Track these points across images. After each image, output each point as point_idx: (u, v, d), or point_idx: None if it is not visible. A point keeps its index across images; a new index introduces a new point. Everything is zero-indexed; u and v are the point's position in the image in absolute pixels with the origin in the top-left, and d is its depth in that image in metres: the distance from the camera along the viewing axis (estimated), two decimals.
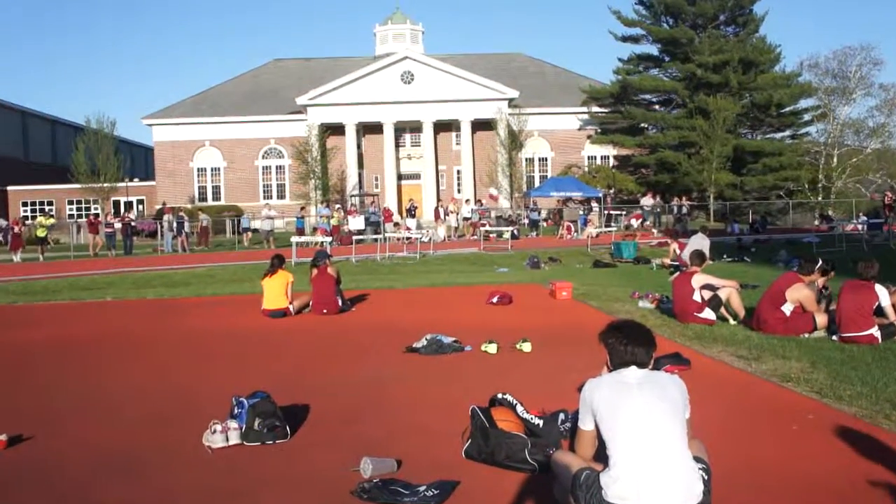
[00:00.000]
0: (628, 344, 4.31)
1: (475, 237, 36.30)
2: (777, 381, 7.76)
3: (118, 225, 35.86)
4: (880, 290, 9.71)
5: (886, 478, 5.07)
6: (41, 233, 35.07)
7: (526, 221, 43.56)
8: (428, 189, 56.36)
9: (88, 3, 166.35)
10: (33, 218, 45.96)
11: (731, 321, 11.30)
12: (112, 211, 47.83)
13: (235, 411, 6.27)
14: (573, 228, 38.80)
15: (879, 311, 9.67)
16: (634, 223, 39.22)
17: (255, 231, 41.02)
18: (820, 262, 11.09)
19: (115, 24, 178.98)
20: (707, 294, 11.39)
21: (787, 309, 10.30)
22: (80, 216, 54.27)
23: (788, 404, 6.93)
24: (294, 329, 12.28)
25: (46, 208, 57.50)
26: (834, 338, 9.78)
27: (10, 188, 59.41)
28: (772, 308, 10.42)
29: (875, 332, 9.46)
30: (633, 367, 4.27)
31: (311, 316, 13.52)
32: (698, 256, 12.01)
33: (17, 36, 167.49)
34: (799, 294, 10.27)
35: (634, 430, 4.02)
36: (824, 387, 7.35)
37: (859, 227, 34.80)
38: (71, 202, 58.97)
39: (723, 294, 11.44)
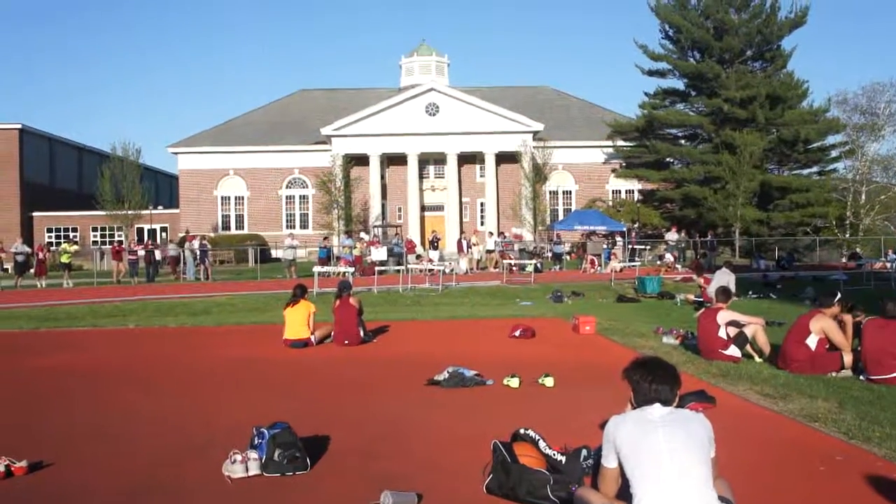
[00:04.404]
0: (653, 381, 4.27)
1: (498, 270, 36.22)
2: (804, 421, 7.63)
3: (141, 252, 36.11)
4: None
5: None
6: (65, 259, 35.35)
7: (549, 255, 43.46)
8: (451, 221, 56.42)
9: (117, 32, 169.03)
10: (58, 244, 46.32)
11: (757, 359, 11.16)
12: (136, 238, 48.11)
13: (256, 441, 6.24)
14: (597, 262, 38.64)
15: None
16: (669, 257, 39.03)
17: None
18: (839, 294, 10.94)
19: (142, 53, 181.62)
20: (733, 331, 11.27)
21: (812, 342, 10.12)
22: (104, 243, 54.72)
23: (816, 445, 6.81)
24: (315, 359, 12.26)
25: (71, 234, 58.05)
26: (862, 378, 9.63)
27: (35, 214, 60.09)
28: (797, 344, 10.25)
29: None
30: (658, 405, 4.22)
31: (333, 346, 13.51)
32: (724, 293, 11.89)
33: (46, 64, 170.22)
34: (822, 324, 10.13)
35: (658, 469, 3.96)
36: (852, 427, 7.22)
37: (888, 264, 34.40)
38: (95, 229, 59.53)
39: (749, 331, 11.31)
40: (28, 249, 35.06)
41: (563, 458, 5.83)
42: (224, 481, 5.92)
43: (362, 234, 47.17)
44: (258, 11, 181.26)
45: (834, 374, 9.91)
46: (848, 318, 10.87)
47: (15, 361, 12.48)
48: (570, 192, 60.13)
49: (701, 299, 19.59)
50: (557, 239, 43.53)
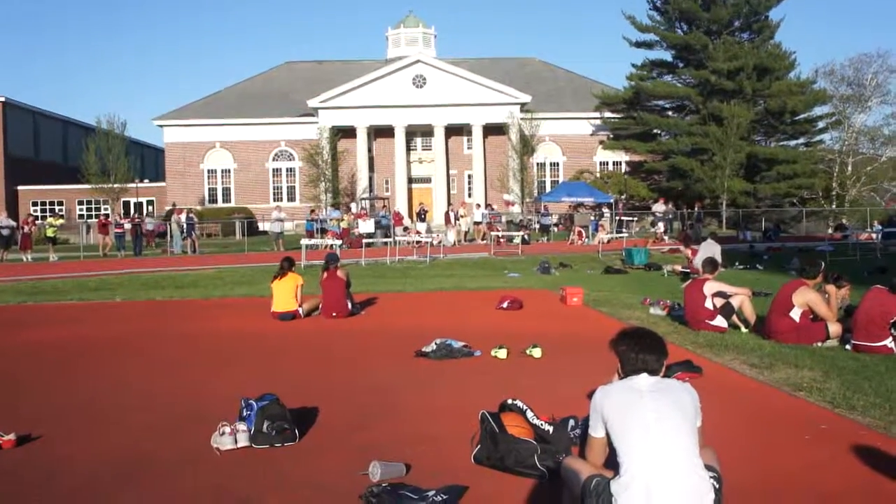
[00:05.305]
0: (639, 351, 4.28)
1: (485, 241, 36.22)
2: (789, 391, 7.69)
3: (128, 226, 35.95)
4: None
5: None
6: (50, 232, 35.18)
7: (537, 226, 43.45)
8: (439, 193, 56.37)
9: (101, 5, 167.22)
10: (43, 218, 46.08)
11: (743, 329, 11.22)
12: (122, 211, 47.91)
13: (244, 413, 6.25)
14: (584, 234, 38.66)
15: None
16: (661, 227, 39.14)
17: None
18: (823, 264, 10.99)
19: (127, 25, 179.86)
20: (719, 301, 11.32)
21: (796, 314, 10.17)
22: (90, 216, 54.48)
23: (801, 414, 6.87)
24: (303, 332, 12.27)
25: (56, 208, 57.76)
26: (847, 347, 9.69)
27: (20, 188, 59.70)
28: (780, 316, 10.29)
29: (889, 343, 9.32)
30: (644, 375, 4.23)
31: (321, 319, 13.51)
32: (710, 264, 11.93)
33: (30, 36, 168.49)
34: (805, 297, 10.16)
35: (645, 438, 3.97)
36: (837, 396, 7.29)
37: (874, 235, 34.53)
38: (81, 202, 59.25)
39: (735, 301, 11.36)
40: (13, 223, 34.73)
41: (551, 428, 5.85)
42: (213, 453, 5.93)
43: (352, 205, 47.07)
44: None
45: (819, 343, 9.96)
46: (832, 288, 10.94)
47: (2, 336, 12.43)
48: (558, 163, 60.11)
49: (688, 270, 19.64)
50: (545, 211, 43.52)
